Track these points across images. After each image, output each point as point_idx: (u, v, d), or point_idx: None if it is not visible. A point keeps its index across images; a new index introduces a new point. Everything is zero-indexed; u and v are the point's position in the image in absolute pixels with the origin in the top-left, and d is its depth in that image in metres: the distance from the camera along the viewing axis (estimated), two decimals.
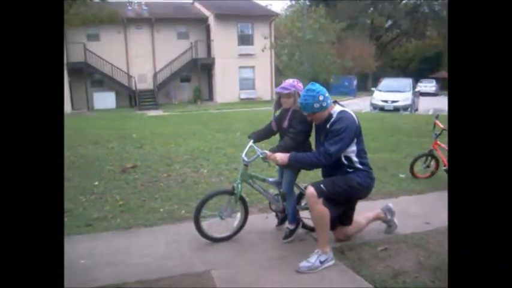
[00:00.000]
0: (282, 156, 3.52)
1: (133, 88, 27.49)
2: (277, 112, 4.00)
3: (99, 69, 26.73)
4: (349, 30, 39.25)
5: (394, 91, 19.93)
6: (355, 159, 3.47)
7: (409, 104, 19.13)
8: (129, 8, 27.05)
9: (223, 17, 27.94)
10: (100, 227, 4.37)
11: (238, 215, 4.00)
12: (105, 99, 27.18)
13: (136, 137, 11.43)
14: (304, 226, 4.08)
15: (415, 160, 6.24)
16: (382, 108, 19.29)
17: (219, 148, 8.89)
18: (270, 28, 29.19)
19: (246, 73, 29.21)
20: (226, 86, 28.59)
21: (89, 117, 20.95)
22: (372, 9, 47.24)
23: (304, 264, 3.31)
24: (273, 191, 4.24)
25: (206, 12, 29.21)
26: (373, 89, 22.07)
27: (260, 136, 4.08)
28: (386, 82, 21.67)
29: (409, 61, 51.26)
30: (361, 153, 3.51)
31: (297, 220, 3.95)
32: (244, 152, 3.88)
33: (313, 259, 3.33)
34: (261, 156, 3.70)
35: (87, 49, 26.19)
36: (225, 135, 11.03)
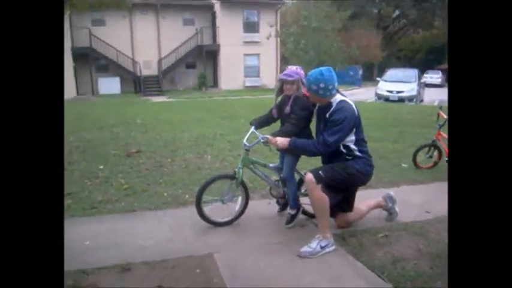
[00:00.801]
0: (282, 141, 3.57)
1: (138, 74, 27.50)
2: (279, 99, 4.03)
3: (104, 54, 26.72)
4: (356, 19, 38.97)
5: (399, 81, 19.87)
6: (353, 147, 3.50)
7: (414, 94, 19.07)
8: None
9: (229, 3, 27.78)
10: (105, 209, 4.43)
11: (240, 199, 4.05)
12: (109, 85, 27.22)
13: (140, 123, 11.49)
14: (305, 212, 4.12)
15: (418, 150, 6.27)
16: (387, 99, 19.25)
17: (223, 134, 8.93)
18: (276, 16, 29.01)
19: (251, 60, 29.13)
20: (231, 73, 28.53)
21: (93, 102, 21.00)
22: None
23: (305, 249, 3.37)
24: (275, 177, 4.28)
25: None
26: (378, 79, 21.99)
27: (261, 123, 4.12)
28: (391, 72, 21.58)
29: (415, 52, 50.89)
30: (360, 142, 3.54)
31: (297, 205, 4.00)
32: (246, 137, 3.92)
33: (314, 244, 3.39)
34: (262, 141, 3.75)
35: (92, 34, 26.16)
36: (229, 122, 11.06)
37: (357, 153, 3.52)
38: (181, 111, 15.02)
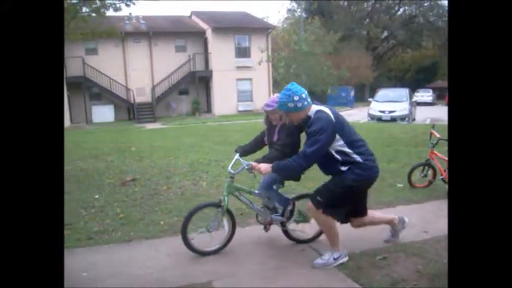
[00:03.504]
0: (265, 166, 3.58)
1: (132, 101, 27.58)
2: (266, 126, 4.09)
3: (97, 82, 26.82)
4: (346, 41, 39.54)
5: (391, 101, 20.06)
6: (348, 150, 3.43)
7: (406, 114, 19.25)
8: (127, 22, 27.25)
9: (221, 30, 28.16)
10: (101, 240, 4.40)
11: (226, 227, 4.00)
12: (103, 113, 27.25)
13: (135, 150, 11.47)
14: (292, 238, 4.13)
15: (413, 170, 6.30)
16: (379, 119, 19.40)
17: (218, 160, 8.93)
18: (267, 40, 29.41)
19: (243, 85, 29.35)
20: (224, 98, 28.70)
21: (87, 131, 20.98)
22: (367, 20, 47.65)
23: (318, 261, 3.55)
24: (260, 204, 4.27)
25: (204, 26, 29.44)
26: (370, 99, 22.21)
27: (246, 150, 4.15)
28: (383, 92, 21.81)
29: (405, 71, 51.60)
30: (354, 143, 3.46)
31: (288, 200, 4.01)
32: (231, 165, 3.94)
33: (327, 256, 3.55)
34: (246, 167, 3.76)
35: (85, 63, 26.32)
36: (223, 147, 11.08)
37: (355, 156, 3.43)
38: (175, 137, 15.03)
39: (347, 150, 3.43)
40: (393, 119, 19.04)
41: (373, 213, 3.93)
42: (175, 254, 3.94)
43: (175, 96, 29.34)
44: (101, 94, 27.79)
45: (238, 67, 28.78)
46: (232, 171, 3.89)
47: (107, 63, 26.97)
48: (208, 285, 3.30)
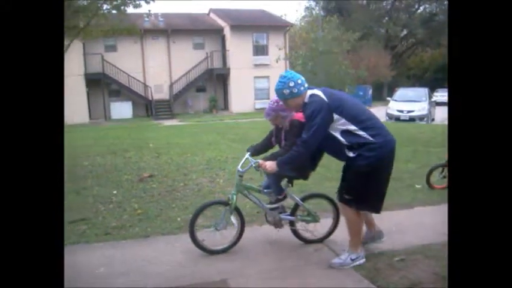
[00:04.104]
0: (270, 164, 3.57)
1: (150, 98, 27.81)
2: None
3: (116, 79, 27.13)
4: (364, 39, 39.17)
5: (409, 101, 19.84)
6: (353, 127, 3.30)
7: (425, 113, 19.01)
8: (146, 19, 27.47)
9: (239, 27, 28.19)
10: (119, 235, 4.45)
11: (235, 225, 3.97)
12: (122, 109, 27.54)
13: (153, 147, 11.57)
14: (301, 238, 4.09)
15: (432, 171, 6.21)
16: (397, 118, 19.21)
17: (235, 158, 8.94)
18: (284, 38, 29.35)
19: (261, 83, 29.35)
20: (241, 96, 28.74)
21: (106, 127, 21.24)
22: (387, 18, 47.13)
23: (336, 260, 3.54)
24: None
25: (222, 23, 29.51)
26: (388, 98, 22.00)
27: (258, 149, 4.14)
28: (401, 92, 21.57)
29: (424, 70, 50.89)
30: (356, 119, 3.33)
31: (283, 192, 3.97)
32: (240, 163, 3.94)
33: (344, 256, 3.53)
34: (253, 165, 3.76)
35: (104, 60, 26.62)
36: (240, 145, 11.09)
37: (361, 133, 3.29)
38: (192, 134, 15.11)
39: (352, 127, 3.32)
40: (412, 119, 18.82)
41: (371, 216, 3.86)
42: (191, 251, 3.95)
43: (192, 93, 29.49)
44: (120, 91, 28.08)
45: (255, 65, 28.78)
46: (241, 170, 3.88)
47: (125, 60, 27.23)
48: (223, 284, 3.30)
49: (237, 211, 3.93)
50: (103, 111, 27.02)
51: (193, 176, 7.35)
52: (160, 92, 28.49)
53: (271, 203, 4.01)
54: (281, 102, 3.68)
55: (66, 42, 8.73)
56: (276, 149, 4.03)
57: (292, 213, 4.02)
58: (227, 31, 28.73)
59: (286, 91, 3.40)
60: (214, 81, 28.77)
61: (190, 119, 24.88)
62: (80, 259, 3.87)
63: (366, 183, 3.39)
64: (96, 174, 7.90)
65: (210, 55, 28.78)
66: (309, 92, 3.47)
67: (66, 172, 8.23)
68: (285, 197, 3.99)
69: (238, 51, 28.36)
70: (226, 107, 30.38)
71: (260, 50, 29.37)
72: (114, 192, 6.34)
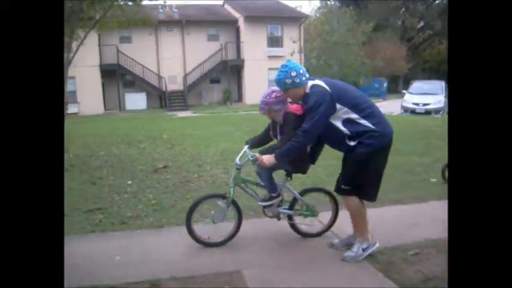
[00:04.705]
0: (267, 157, 3.51)
1: (164, 89, 27.92)
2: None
3: (130, 70, 27.26)
4: (380, 31, 38.74)
5: (425, 94, 19.63)
6: (355, 115, 3.29)
7: (441, 106, 18.78)
8: (161, 10, 27.47)
9: (253, 18, 28.07)
10: (134, 225, 4.50)
11: (236, 216, 3.96)
12: (136, 100, 27.71)
13: (167, 138, 11.65)
14: (299, 232, 4.08)
15: (447, 164, 6.16)
16: (413, 111, 19.02)
17: None
18: (299, 30, 29.16)
19: (275, 75, 29.20)
20: (255, 88, 28.64)
21: (120, 118, 21.41)
22: (403, 9, 46.47)
23: (348, 253, 3.51)
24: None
25: (236, 14, 29.42)
26: (404, 91, 21.77)
27: (256, 142, 4.10)
28: (417, 85, 21.33)
29: (441, 63, 50.06)
30: (358, 106, 3.32)
31: (278, 190, 3.91)
32: (239, 156, 3.92)
33: (356, 248, 3.51)
34: (251, 159, 3.74)
35: (119, 51, 26.76)
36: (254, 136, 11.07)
37: (363, 121, 3.28)
38: (206, 126, 15.17)
39: (353, 116, 3.30)
40: (427, 112, 18.62)
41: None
42: None
43: (206, 84, 29.52)
44: (134, 82, 28.24)
45: (270, 56, 28.66)
46: (238, 163, 3.87)
47: (140, 52, 27.33)
48: (237, 274, 3.33)
49: (235, 204, 3.92)
50: (118, 102, 27.23)
51: (207, 167, 7.39)
52: (174, 83, 28.58)
53: (264, 200, 3.95)
54: (274, 95, 3.67)
55: (82, 34, 8.78)
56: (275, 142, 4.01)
57: (291, 207, 3.99)
58: (241, 22, 28.63)
59: (288, 80, 3.38)
60: (228, 72, 28.75)
61: (204, 110, 24.94)
62: (96, 247, 3.94)
63: (364, 172, 3.38)
64: (112, 164, 7.99)
65: (224, 46, 28.74)
66: (310, 82, 3.44)
67: (82, 162, 8.35)
68: (278, 196, 3.92)
69: (253, 42, 28.26)
70: (240, 98, 30.36)
71: (274, 41, 29.23)
72: (129, 182, 6.41)
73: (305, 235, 4.08)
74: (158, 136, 12.15)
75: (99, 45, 25.51)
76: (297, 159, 3.68)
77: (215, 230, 3.89)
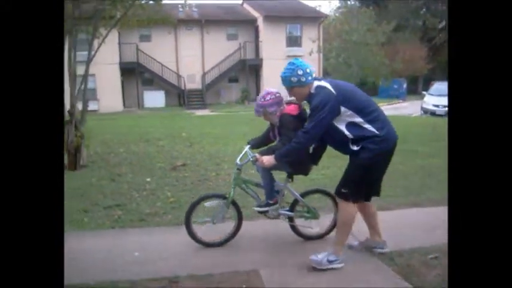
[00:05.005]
0: (267, 158, 3.48)
1: (183, 87, 28.11)
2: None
3: (150, 68, 27.52)
4: (400, 31, 38.29)
5: (446, 95, 19.32)
6: (359, 119, 3.22)
7: None
8: (181, 9, 27.68)
9: (272, 18, 28.06)
10: (152, 222, 4.55)
11: (235, 219, 3.95)
12: (155, 98, 27.96)
13: (185, 136, 11.73)
14: (300, 234, 4.03)
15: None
16: (433, 113, 18.75)
17: None
18: (318, 30, 29.04)
19: None
20: (273, 87, 28.14)
21: (139, 115, 21.64)
22: (424, 10, 45.86)
23: (313, 257, 3.40)
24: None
25: (255, 14, 29.44)
26: (424, 92, 21.50)
27: (258, 142, 4.07)
28: (438, 86, 21.01)
29: None
30: (363, 110, 3.25)
31: (275, 197, 3.89)
32: (239, 157, 3.89)
33: (322, 255, 3.39)
34: (251, 160, 3.72)
35: (139, 49, 27.03)
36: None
37: (367, 125, 3.21)
38: (224, 124, 15.22)
39: (358, 119, 3.23)
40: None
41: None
42: None
43: (225, 83, 29.62)
44: (153, 80, 28.49)
45: (288, 56, 28.52)
46: (239, 163, 3.85)
47: (159, 50, 27.56)
48: (254, 273, 3.34)
49: (235, 205, 3.90)
50: (136, 99, 27.50)
51: (225, 166, 7.41)
52: (192, 82, 28.75)
53: (259, 205, 3.92)
54: (268, 97, 3.67)
55: (103, 32, 8.88)
56: None
57: (291, 209, 3.95)
58: (260, 22, 28.64)
59: (294, 79, 3.32)
60: (247, 72, 28.80)
61: (222, 109, 25.03)
62: (115, 243, 3.99)
63: (364, 176, 3.32)
64: (130, 161, 8.08)
65: (243, 46, 28.79)
66: (316, 82, 3.37)
67: (102, 159, 8.46)
68: (275, 203, 3.88)
69: (271, 42, 28.25)
70: None
71: (293, 41, 29.17)
72: (148, 179, 6.48)
73: (306, 237, 4.01)
74: (177, 134, 12.24)
75: (119, 43, 25.80)
76: (297, 161, 3.62)
77: (215, 230, 3.88)
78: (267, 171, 3.84)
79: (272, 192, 3.88)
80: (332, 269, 3.35)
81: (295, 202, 3.96)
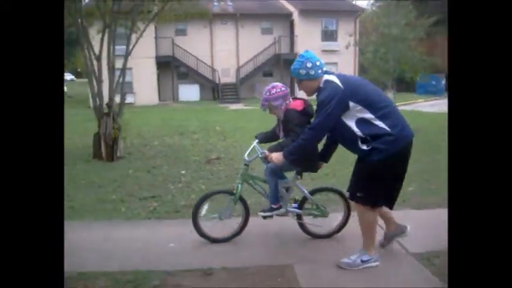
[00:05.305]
0: (276, 155, 3.40)
1: (217, 81, 28.29)
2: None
3: (185, 62, 27.80)
4: (440, 26, 37.23)
5: None
6: (370, 116, 3.05)
7: None
8: (216, 4, 27.79)
9: (308, 12, 27.81)
10: (187, 214, 4.57)
11: (244, 213, 3.92)
12: (189, 92, 28.27)
13: (219, 130, 11.81)
14: (308, 232, 3.95)
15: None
16: None
17: None
18: (355, 24, 28.58)
19: (328, 69, 28.69)
20: None
21: (174, 108, 21.93)
22: None
23: (345, 260, 3.32)
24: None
25: (290, 8, 29.25)
26: None
27: (266, 137, 4.02)
28: None
29: None
30: (373, 106, 3.07)
31: (279, 202, 3.82)
32: (247, 152, 3.85)
33: (354, 257, 3.32)
34: (260, 156, 3.66)
35: (174, 43, 27.34)
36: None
37: (378, 122, 3.04)
38: (258, 119, 15.21)
39: (368, 115, 3.06)
40: None
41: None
42: (258, 234, 4.01)
43: (259, 78, 29.61)
44: (188, 74, 28.79)
45: (324, 51, 28.27)
46: (247, 159, 3.80)
47: (194, 44, 27.79)
48: (289, 268, 3.32)
49: (242, 201, 3.87)
50: (171, 93, 27.87)
51: (259, 160, 7.39)
52: (227, 76, 28.88)
53: (263, 210, 3.86)
54: (274, 91, 3.62)
55: (141, 27, 9.05)
56: None
57: (300, 206, 3.89)
58: (296, 16, 28.44)
59: (303, 71, 3.23)
60: (281, 66, 28.67)
61: (256, 103, 24.88)
62: (151, 234, 4.05)
63: (378, 179, 3.14)
64: (165, 154, 8.21)
65: (277, 40, 28.69)
66: (326, 77, 3.24)
67: (138, 151, 8.62)
68: (279, 208, 3.82)
69: (307, 36, 28.00)
70: (292, 92, 30.17)
71: (329, 35, 28.83)
72: (183, 172, 6.56)
73: (314, 236, 3.94)
74: (211, 128, 12.35)
75: (156, 37, 26.17)
76: (305, 158, 3.54)
77: (223, 226, 3.87)
78: (274, 175, 3.76)
79: (276, 197, 3.83)
80: (367, 268, 3.29)
81: (304, 199, 3.90)
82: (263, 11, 29.49)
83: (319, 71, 3.23)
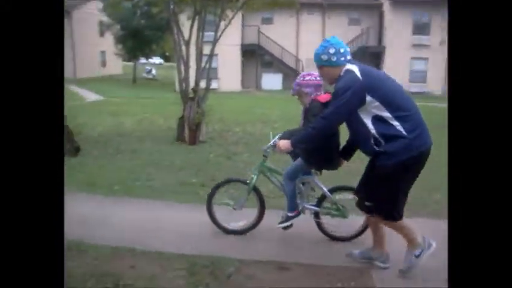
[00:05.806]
0: (284, 143, 3.23)
1: (300, 71, 28.07)
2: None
3: (269, 51, 27.97)
4: None
5: None
6: (388, 115, 2.82)
7: None
8: None
9: (399, 3, 26.60)
10: (268, 204, 4.56)
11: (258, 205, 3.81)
12: (272, 80, 28.44)
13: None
14: (326, 233, 3.75)
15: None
16: None
17: None
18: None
19: (418, 65, 27.42)
20: (395, 77, 27.23)
21: (257, 96, 22.15)
22: None
23: (402, 269, 3.12)
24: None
25: None
26: None
27: (292, 133, 3.78)
28: None
29: None
30: (393, 105, 2.84)
31: (296, 209, 3.64)
32: (269, 144, 3.66)
33: (407, 261, 3.11)
34: (271, 145, 3.52)
35: (260, 32, 27.56)
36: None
37: (395, 123, 2.81)
38: None
39: (386, 114, 2.83)
40: None
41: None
42: None
43: None
44: (272, 62, 28.93)
45: (414, 45, 27.01)
46: (264, 148, 3.68)
47: (280, 33, 27.84)
48: (367, 272, 3.20)
49: (256, 192, 3.77)
50: (255, 80, 28.23)
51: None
52: (311, 67, 28.59)
53: (282, 222, 3.68)
54: (308, 77, 3.43)
55: (229, 14, 9.17)
56: None
57: (318, 204, 3.68)
58: (386, 7, 27.35)
59: (324, 57, 3.01)
60: (367, 59, 27.74)
61: None
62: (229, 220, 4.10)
63: (386, 186, 2.91)
64: (247, 141, 8.28)
65: (365, 32, 27.84)
66: (347, 66, 3.01)
67: (219, 136, 8.77)
68: (298, 214, 3.64)
69: (396, 29, 26.86)
70: None
71: (421, 29, 27.34)
72: None
73: (331, 237, 3.74)
74: (292, 117, 12.25)
75: (242, 25, 26.54)
76: (326, 156, 3.43)
77: (236, 217, 3.83)
78: (291, 178, 3.63)
79: (293, 203, 3.67)
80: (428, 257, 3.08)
81: (323, 197, 3.71)
82: (352, 1, 28.70)
83: (342, 59, 3.02)
